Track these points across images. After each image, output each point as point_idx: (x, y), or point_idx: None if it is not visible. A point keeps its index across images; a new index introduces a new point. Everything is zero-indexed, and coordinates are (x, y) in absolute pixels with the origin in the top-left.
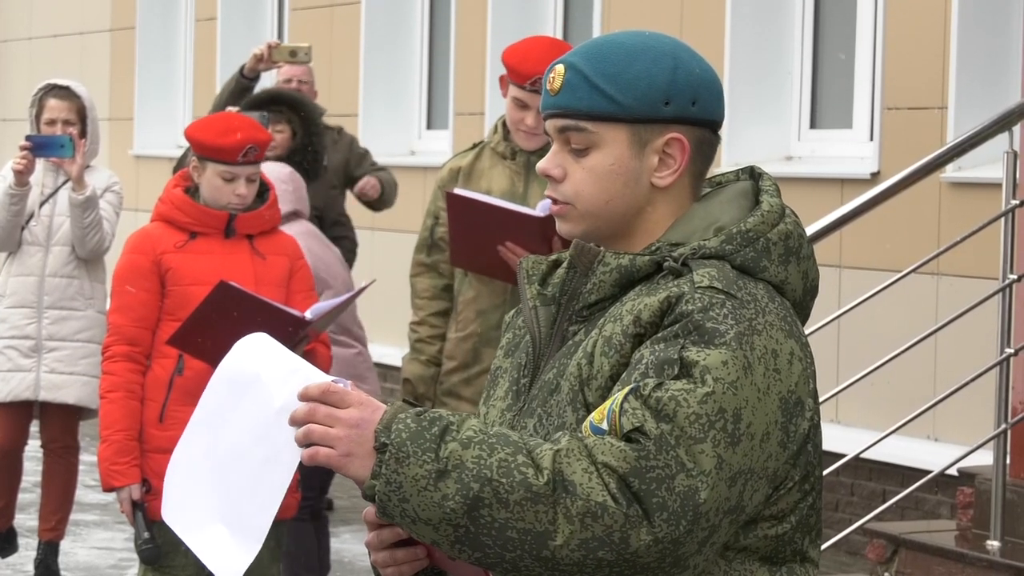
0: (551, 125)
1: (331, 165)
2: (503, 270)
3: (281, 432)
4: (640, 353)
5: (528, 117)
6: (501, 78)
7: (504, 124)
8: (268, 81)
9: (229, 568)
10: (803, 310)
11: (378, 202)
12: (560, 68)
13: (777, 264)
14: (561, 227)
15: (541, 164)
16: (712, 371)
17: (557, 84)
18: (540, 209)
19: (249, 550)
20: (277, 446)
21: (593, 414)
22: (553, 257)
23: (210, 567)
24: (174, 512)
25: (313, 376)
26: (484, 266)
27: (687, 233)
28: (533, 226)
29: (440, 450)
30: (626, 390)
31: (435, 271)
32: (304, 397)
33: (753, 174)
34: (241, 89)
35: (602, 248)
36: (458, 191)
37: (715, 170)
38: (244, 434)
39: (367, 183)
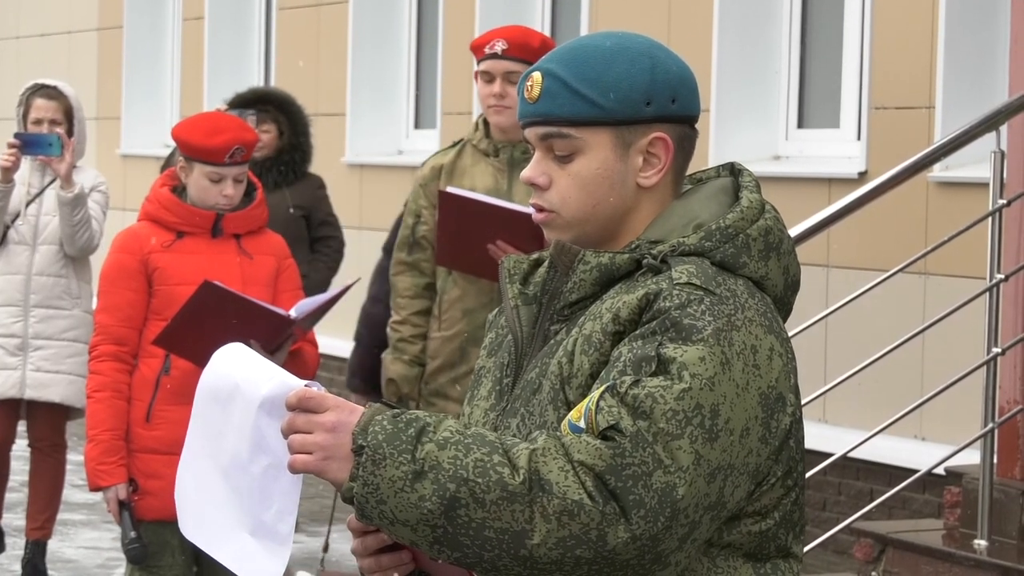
0: (532, 133)
1: None
2: (491, 269)
3: (274, 438)
4: (619, 351)
5: (495, 86)
6: (475, 74)
7: (485, 121)
8: None
9: (264, 574)
10: (785, 306)
11: None
12: (537, 75)
13: (757, 260)
14: (548, 234)
15: (526, 173)
16: (689, 367)
17: (536, 92)
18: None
19: (280, 555)
20: (276, 453)
21: (571, 413)
22: (535, 256)
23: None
24: (194, 528)
25: (287, 381)
26: (471, 265)
27: (666, 230)
28: (526, 224)
29: (416, 451)
30: (603, 388)
31: (416, 270)
32: (286, 407)
33: (733, 170)
34: None
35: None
36: (451, 190)
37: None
38: (241, 444)
39: None
